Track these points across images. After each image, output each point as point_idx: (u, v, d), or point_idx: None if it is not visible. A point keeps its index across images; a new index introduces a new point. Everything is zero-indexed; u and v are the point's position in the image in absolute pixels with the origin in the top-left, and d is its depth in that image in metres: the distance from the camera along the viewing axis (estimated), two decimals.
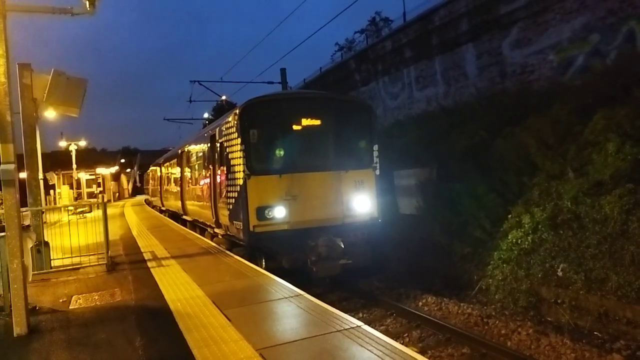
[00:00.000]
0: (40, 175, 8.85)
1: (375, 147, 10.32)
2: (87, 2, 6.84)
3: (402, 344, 6.58)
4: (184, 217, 17.39)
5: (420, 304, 9.61)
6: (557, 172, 9.64)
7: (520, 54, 15.09)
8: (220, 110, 36.53)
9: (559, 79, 13.39)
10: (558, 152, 9.94)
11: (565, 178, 9.35)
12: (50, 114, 10.47)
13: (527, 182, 10.10)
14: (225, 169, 10.29)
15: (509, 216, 9.85)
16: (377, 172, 10.26)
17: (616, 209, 7.86)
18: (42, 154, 9.15)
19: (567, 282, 7.76)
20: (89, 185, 44.76)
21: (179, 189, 17.90)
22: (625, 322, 6.82)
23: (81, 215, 17.97)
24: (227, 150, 10.03)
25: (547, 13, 14.03)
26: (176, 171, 19.00)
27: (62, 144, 37.51)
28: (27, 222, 8.65)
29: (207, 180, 12.33)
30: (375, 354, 4.04)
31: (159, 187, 26.19)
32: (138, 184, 66.83)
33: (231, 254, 9.68)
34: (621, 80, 10.11)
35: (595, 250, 7.71)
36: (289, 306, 5.68)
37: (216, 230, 11.84)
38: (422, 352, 6.95)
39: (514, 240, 9.17)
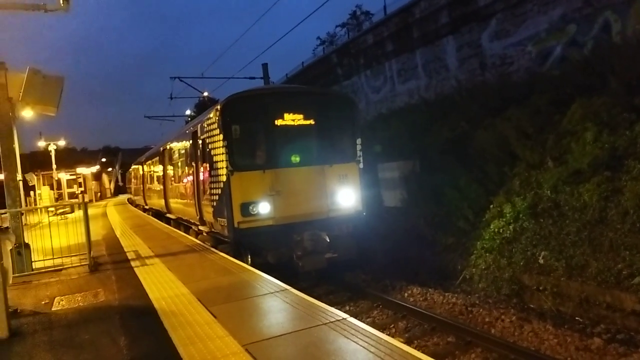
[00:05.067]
0: (19, 177, 8.67)
1: (359, 141, 10.33)
2: None
3: (389, 334, 6.63)
4: (168, 215, 17.23)
5: (406, 295, 9.70)
6: (536, 161, 9.79)
7: (499, 45, 15.26)
8: (203, 107, 36.29)
9: (537, 70, 13.59)
10: (537, 142, 10.09)
11: (545, 167, 9.51)
12: (27, 113, 10.25)
13: (508, 172, 10.24)
14: (208, 165, 10.21)
15: (491, 206, 9.98)
16: (361, 165, 10.29)
17: (594, 196, 8.03)
18: (21, 155, 8.97)
19: (548, 269, 7.90)
20: (69, 186, 44.15)
21: (161, 187, 17.71)
22: (605, 306, 6.96)
23: (62, 216, 17.75)
24: (210, 146, 9.95)
25: (525, 4, 14.19)
26: (159, 169, 18.80)
27: (41, 144, 36.90)
28: (6, 224, 8.49)
29: (190, 178, 12.22)
30: (361, 346, 4.07)
31: (141, 185, 25.88)
32: (120, 183, 65.99)
33: (216, 251, 9.63)
34: (598, 69, 10.29)
35: (575, 238, 7.86)
36: (274, 301, 5.68)
37: (200, 227, 11.77)
38: (408, 342, 7.01)
39: (496, 230, 9.30)
